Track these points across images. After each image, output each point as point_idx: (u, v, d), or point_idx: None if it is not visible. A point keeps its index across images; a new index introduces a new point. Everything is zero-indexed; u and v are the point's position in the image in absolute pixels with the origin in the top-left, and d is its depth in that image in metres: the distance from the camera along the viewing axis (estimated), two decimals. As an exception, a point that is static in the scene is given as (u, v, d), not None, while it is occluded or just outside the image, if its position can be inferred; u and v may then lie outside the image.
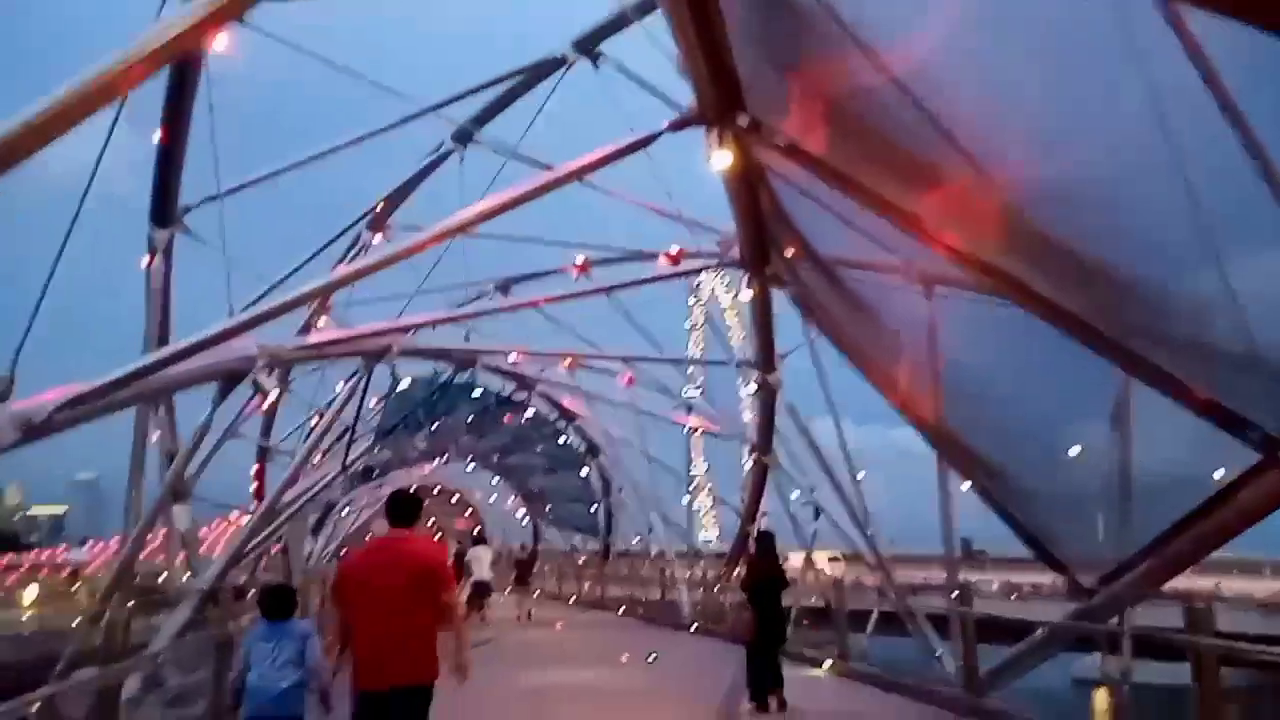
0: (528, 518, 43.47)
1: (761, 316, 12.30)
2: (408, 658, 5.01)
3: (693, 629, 19.00)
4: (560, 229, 20.27)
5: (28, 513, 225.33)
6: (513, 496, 40.39)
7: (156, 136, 10.60)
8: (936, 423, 9.83)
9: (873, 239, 7.90)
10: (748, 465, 20.30)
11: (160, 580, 15.77)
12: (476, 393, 16.98)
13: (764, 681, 9.25)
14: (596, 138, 9.33)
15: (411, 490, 6.28)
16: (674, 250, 19.98)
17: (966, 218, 7.03)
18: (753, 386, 13.70)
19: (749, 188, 8.61)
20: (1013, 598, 37.18)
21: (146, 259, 11.84)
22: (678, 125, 7.63)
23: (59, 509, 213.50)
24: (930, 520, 11.16)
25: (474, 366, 15.97)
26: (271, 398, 8.70)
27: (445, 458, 34.02)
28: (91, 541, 77.71)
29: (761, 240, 10.10)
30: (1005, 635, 12.11)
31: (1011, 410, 9.33)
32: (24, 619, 25.81)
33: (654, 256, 20.56)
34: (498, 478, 37.42)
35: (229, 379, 8.65)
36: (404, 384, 11.87)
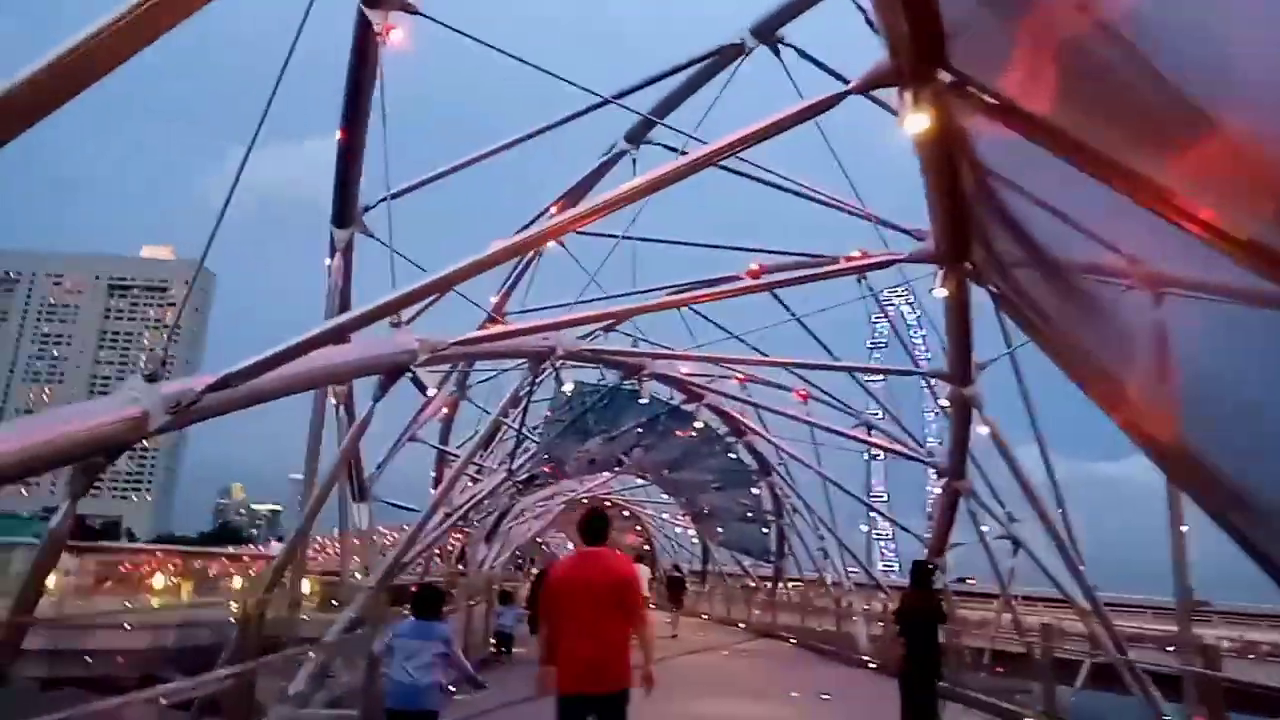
0: (697, 537, 42.73)
1: (958, 319, 10.92)
2: (612, 666, 5.51)
3: (873, 666, 17.53)
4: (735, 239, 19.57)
5: (251, 508, 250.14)
6: (681, 514, 39.80)
7: (336, 137, 10.84)
8: (1173, 443, 8.22)
9: (1093, 236, 6.60)
10: (935, 491, 18.68)
11: (337, 578, 16.28)
12: (644, 400, 16.38)
13: (919, 713, 9.06)
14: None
15: (600, 509, 6.54)
16: (856, 253, 18.93)
17: (1235, 186, 5.63)
18: (944, 403, 12.27)
19: (947, 160, 7.50)
20: (1249, 658, 32.40)
21: (327, 259, 12.18)
22: (867, 86, 6.67)
23: (277, 506, 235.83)
24: (1133, 562, 9.56)
25: (641, 373, 15.42)
26: (432, 393, 8.39)
27: (615, 470, 33.91)
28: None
29: (961, 226, 8.87)
30: (1251, 705, 10.27)
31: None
32: (232, 606, 27.76)
33: (833, 261, 19.51)
34: (666, 494, 36.93)
35: (389, 373, 8.44)
36: (568, 386, 11.32)
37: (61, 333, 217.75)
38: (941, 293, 9.83)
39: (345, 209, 11.93)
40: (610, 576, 5.76)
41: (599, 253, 14.42)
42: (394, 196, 11.12)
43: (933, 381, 17.10)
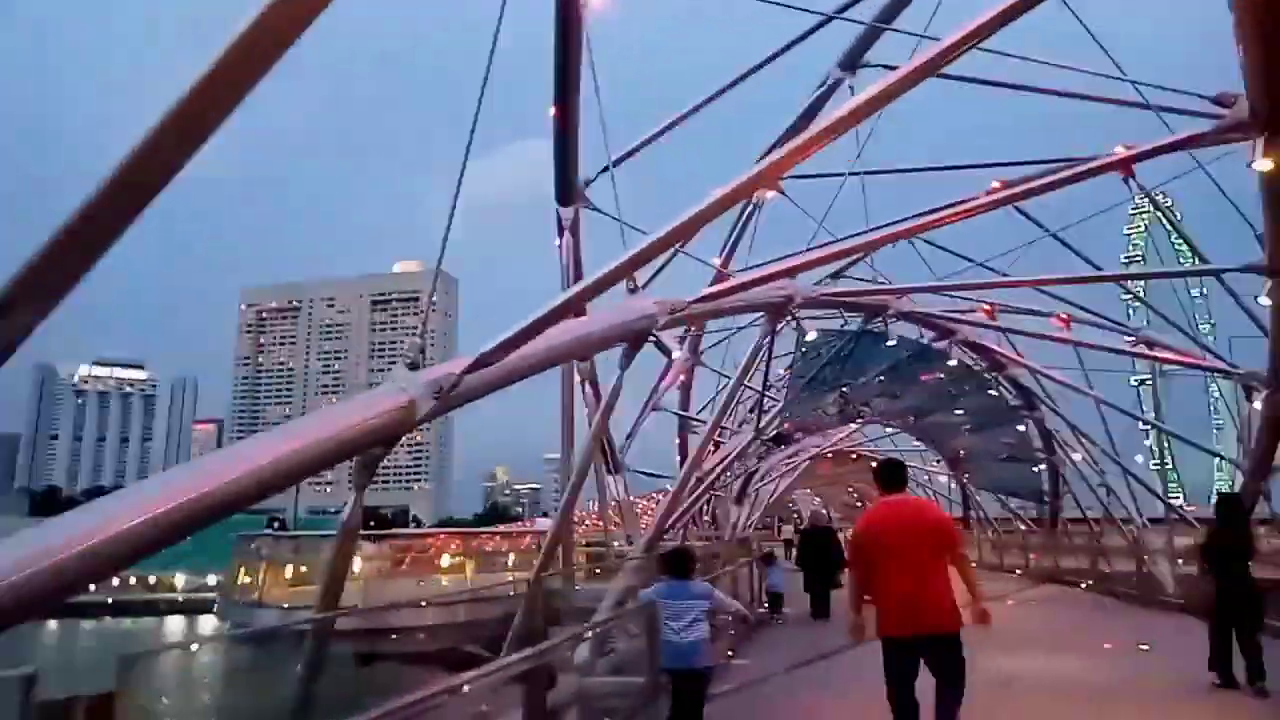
0: (953, 483, 40.39)
1: None
2: (938, 607, 5.55)
3: (1179, 605, 15.49)
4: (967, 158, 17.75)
5: (514, 488, 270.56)
6: (936, 460, 37.69)
7: (550, 113, 10.84)
8: None
9: None
10: (1245, 409, 16.12)
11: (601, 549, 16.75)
12: (891, 342, 15.31)
13: (1228, 656, 8.48)
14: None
15: (896, 459, 6.77)
16: (1121, 150, 16.52)
17: None
18: (1264, 300, 10.27)
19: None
20: None
21: (556, 240, 12.33)
22: None
23: (536, 485, 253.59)
24: None
25: (886, 314, 14.41)
26: (676, 356, 8.09)
27: (861, 421, 32.66)
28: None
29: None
30: None
31: None
32: (508, 579, 29.71)
33: (1089, 161, 17.18)
34: (918, 440, 35.07)
35: (633, 340, 8.26)
36: (811, 335, 10.68)
37: (339, 349, 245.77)
38: (1265, 165, 8.07)
39: (567, 186, 11.99)
40: (926, 518, 5.94)
41: (824, 198, 13.58)
42: (615, 165, 10.99)
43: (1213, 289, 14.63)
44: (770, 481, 35.31)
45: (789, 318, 10.94)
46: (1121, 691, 8.52)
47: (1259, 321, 14.19)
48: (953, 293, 14.83)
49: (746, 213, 17.75)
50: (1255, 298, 10.33)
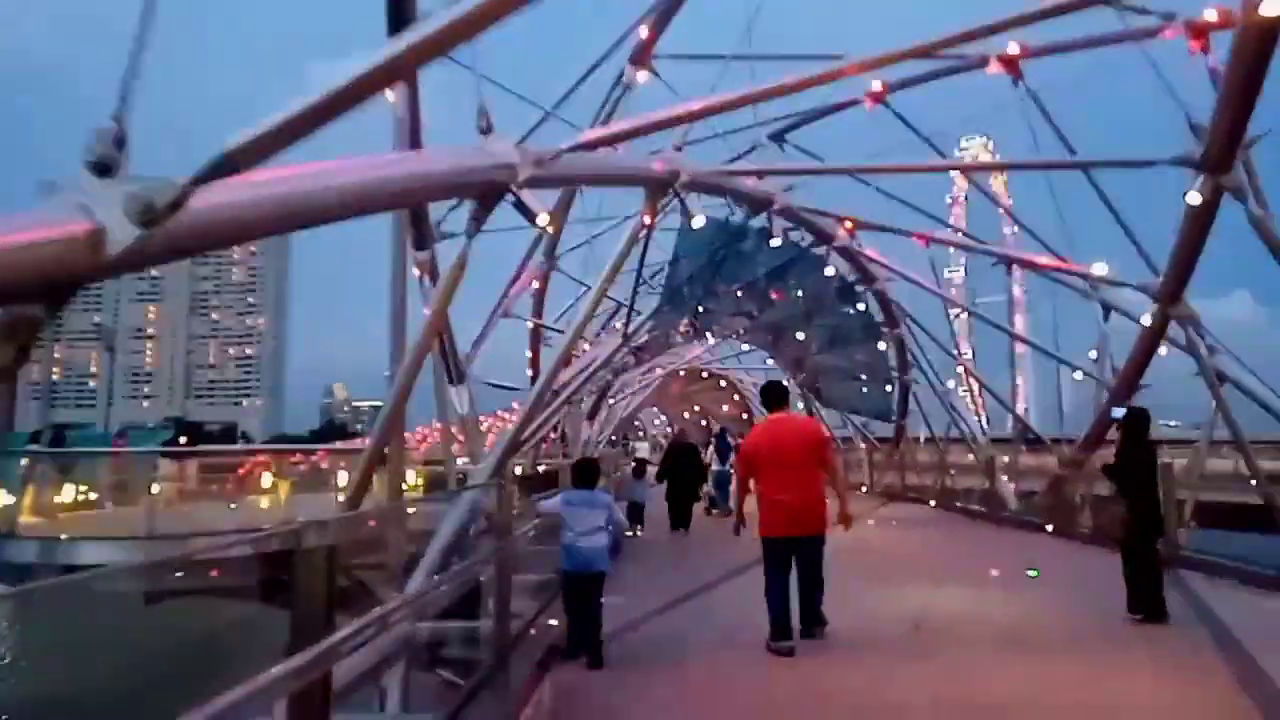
0: (801, 402, 40.67)
1: (1251, 61, 7.76)
2: (814, 511, 6.64)
3: (1048, 529, 15.31)
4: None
5: (354, 405, 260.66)
6: (787, 378, 37.54)
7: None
8: None
9: None
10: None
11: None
12: (775, 241, 13.85)
13: (1160, 584, 7.85)
14: None
15: (778, 382, 7.75)
16: (1014, 48, 15.54)
17: None
18: (1192, 197, 9.34)
19: None
20: None
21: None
22: None
23: (378, 403, 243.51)
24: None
25: (770, 208, 12.86)
26: (542, 222, 6.04)
27: (713, 341, 31.76)
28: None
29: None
30: None
31: None
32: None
33: (979, 64, 16.23)
34: (771, 359, 34.62)
35: (486, 194, 6.20)
36: (698, 219, 8.92)
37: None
38: (1195, 199, 6.97)
39: (403, 16, 9.47)
40: (806, 435, 7.00)
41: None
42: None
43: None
44: (624, 398, 34.07)
45: (673, 195, 9.09)
46: (1048, 633, 7.49)
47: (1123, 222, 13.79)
48: (842, 175, 13.40)
49: (614, 97, 15.69)
50: (1184, 194, 9.41)
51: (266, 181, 3.93)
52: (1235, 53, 7.92)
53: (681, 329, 23.36)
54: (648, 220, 9.76)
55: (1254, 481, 12.57)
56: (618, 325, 15.36)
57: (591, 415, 28.00)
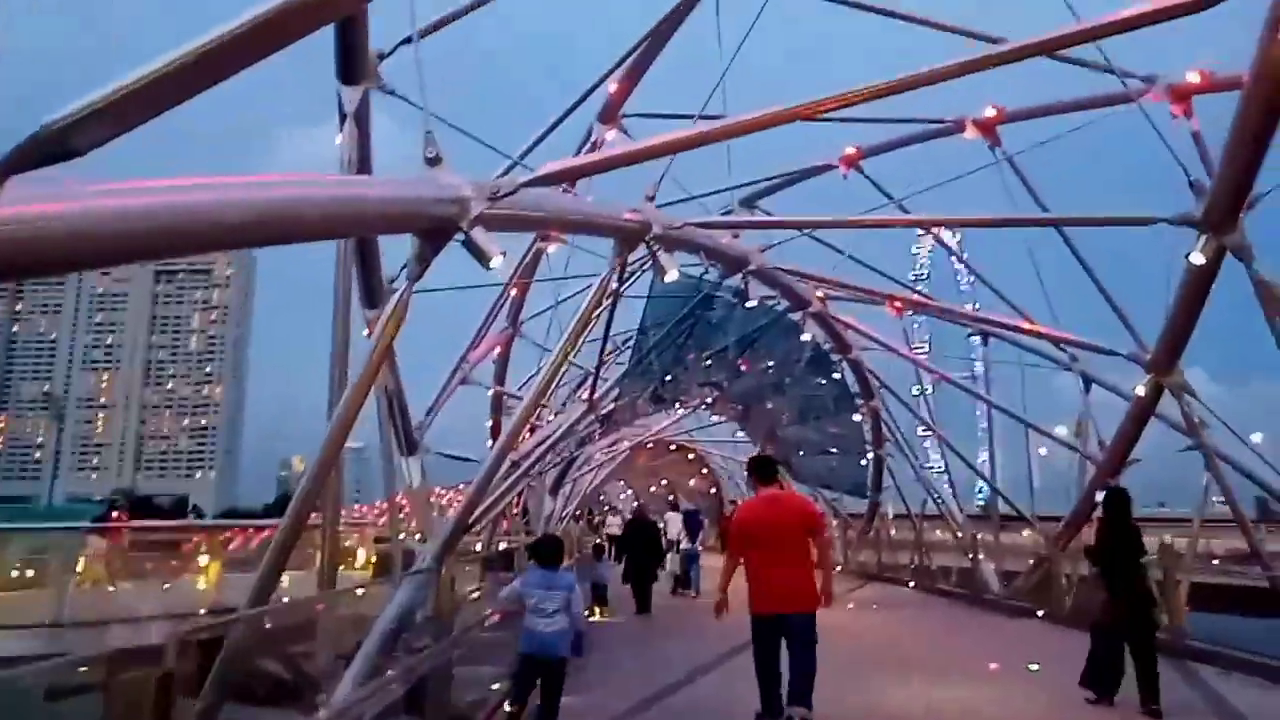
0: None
1: (1256, 122, 7.34)
2: (804, 589, 6.62)
3: (1039, 614, 14.39)
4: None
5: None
6: (757, 451, 36.72)
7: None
8: None
9: None
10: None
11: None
12: (751, 303, 13.17)
13: (1112, 669, 7.72)
14: None
15: (767, 455, 8.78)
16: (990, 112, 15.30)
17: None
18: (1195, 258, 8.78)
19: None
20: None
21: (338, 126, 9.11)
22: None
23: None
24: None
25: (746, 269, 12.20)
26: (497, 263, 5.20)
27: (681, 411, 30.88)
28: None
29: None
30: None
31: None
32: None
33: (955, 129, 15.95)
34: (742, 430, 33.80)
35: (431, 231, 5.39)
36: (671, 275, 8.16)
37: (113, 321, 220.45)
38: (1199, 259, 6.43)
39: (352, 58, 8.82)
40: (798, 511, 6.91)
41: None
42: (422, 36, 8.03)
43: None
44: (588, 471, 32.93)
45: (644, 251, 8.34)
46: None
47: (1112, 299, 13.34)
48: (815, 237, 12.79)
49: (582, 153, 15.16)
50: (1186, 255, 8.88)
51: (144, 187, 3.07)
52: (1246, 101, 7.46)
53: (648, 399, 22.50)
54: (617, 275, 8.99)
55: (1259, 566, 11.85)
56: (584, 396, 14.46)
57: (555, 489, 26.83)
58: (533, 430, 18.27)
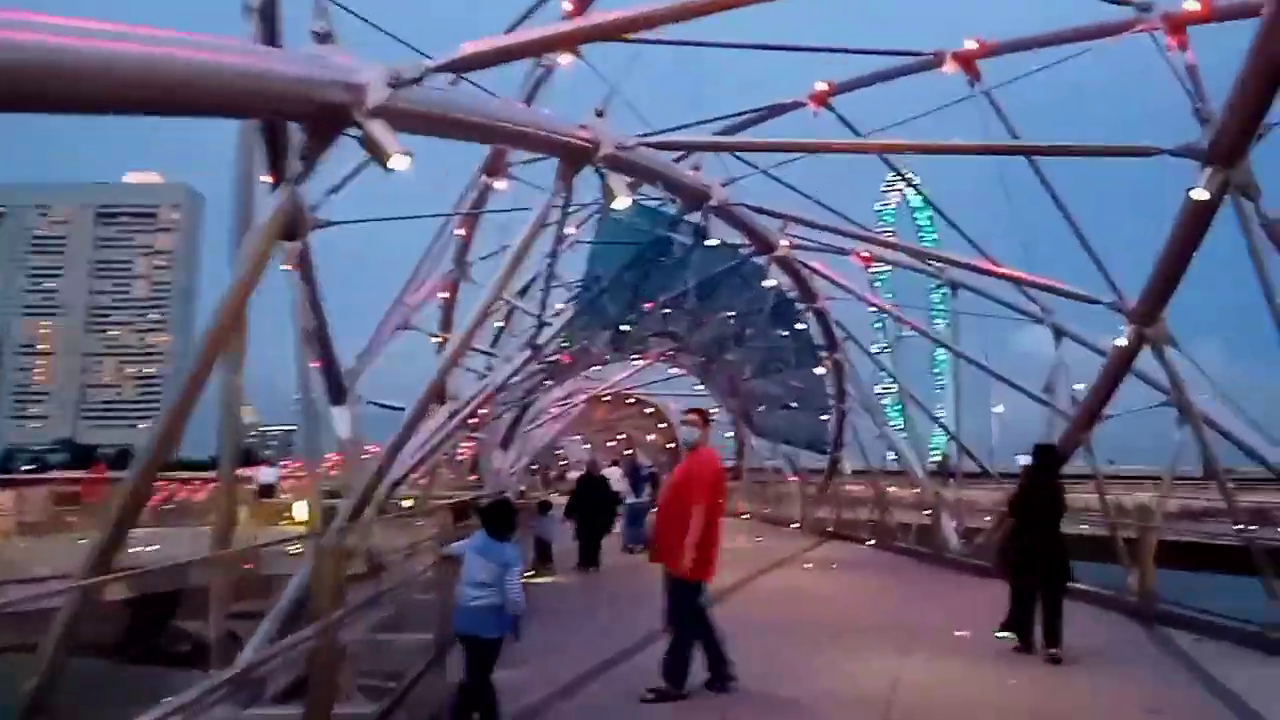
0: (732, 431, 39.22)
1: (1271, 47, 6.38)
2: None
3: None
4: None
5: (263, 429, 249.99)
6: (716, 406, 35.99)
7: None
8: None
9: None
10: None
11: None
12: (711, 242, 12.15)
13: (1031, 618, 8.12)
14: None
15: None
16: (971, 44, 14.34)
17: None
18: (1198, 193, 7.98)
19: None
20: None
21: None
22: None
23: (290, 426, 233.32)
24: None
25: (706, 204, 11.18)
26: (398, 165, 4.09)
27: (640, 363, 29.98)
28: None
29: None
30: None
31: None
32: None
33: (932, 62, 14.98)
34: (701, 384, 33.03)
35: (316, 117, 4.31)
36: (622, 200, 7.12)
37: (52, 264, 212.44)
38: (1202, 195, 5.67)
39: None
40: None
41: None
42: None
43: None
44: (542, 424, 32.00)
45: (592, 168, 7.29)
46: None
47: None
48: (794, 171, 11.79)
49: (534, 80, 13.94)
50: (1188, 190, 8.07)
51: None
52: (1271, 21, 6.59)
53: (600, 346, 21.40)
54: (562, 202, 7.93)
55: (1235, 524, 11.35)
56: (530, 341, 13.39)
57: (505, 443, 25.86)
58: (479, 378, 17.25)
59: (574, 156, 7.55)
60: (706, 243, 12.36)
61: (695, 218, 11.90)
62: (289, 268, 10.84)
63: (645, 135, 8.24)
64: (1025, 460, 9.65)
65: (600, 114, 7.79)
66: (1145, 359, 11.53)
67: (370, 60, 4.75)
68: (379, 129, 4.53)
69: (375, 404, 12.94)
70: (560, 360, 16.11)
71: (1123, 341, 11.02)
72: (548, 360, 15.59)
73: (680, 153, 11.54)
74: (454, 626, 5.73)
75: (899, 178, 21.78)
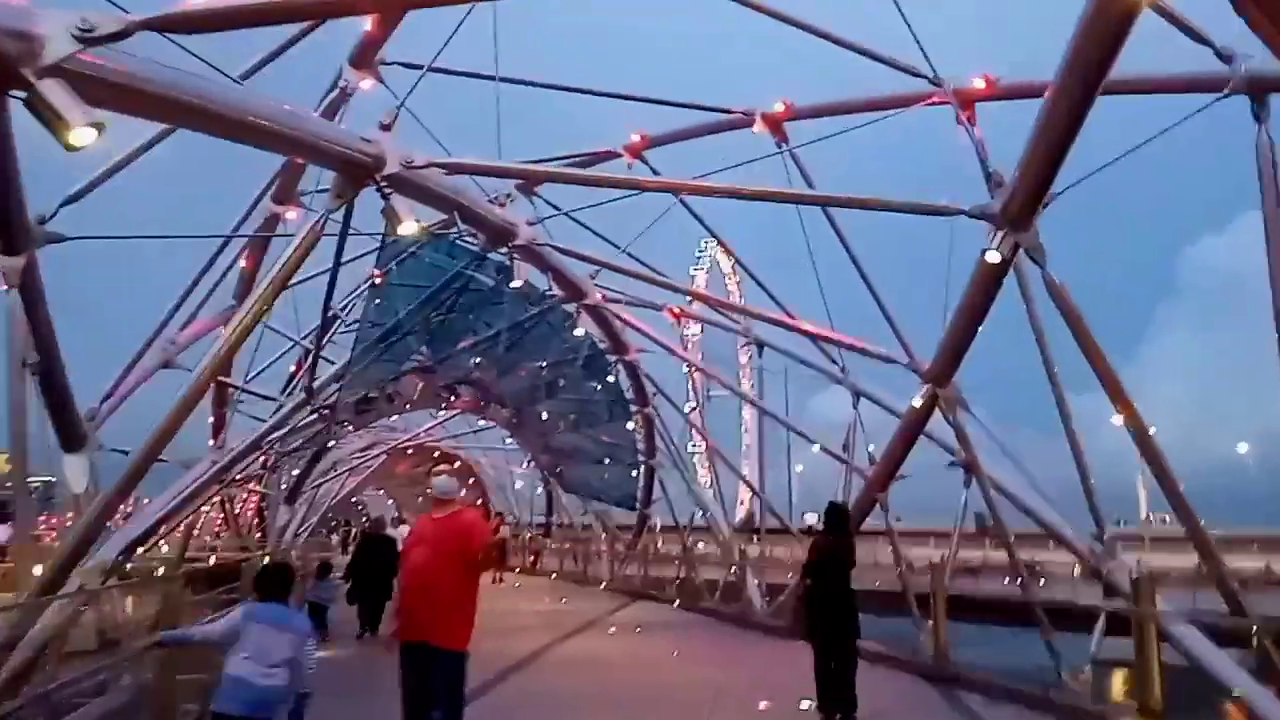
0: (541, 486, 38.23)
1: (1061, 127, 6.55)
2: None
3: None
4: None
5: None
6: (527, 462, 34.89)
7: None
8: None
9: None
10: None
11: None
12: (516, 283, 11.30)
13: (829, 683, 7.84)
14: None
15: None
16: (780, 105, 14.63)
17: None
18: (991, 255, 8.16)
19: None
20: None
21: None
22: None
23: (51, 478, 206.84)
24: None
25: (512, 243, 10.45)
26: (79, 138, 3.04)
27: (447, 414, 28.49)
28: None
29: None
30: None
31: None
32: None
33: (744, 121, 15.20)
34: (511, 437, 31.86)
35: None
36: (408, 226, 6.28)
37: None
38: (994, 257, 5.72)
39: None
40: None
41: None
42: None
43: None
44: (334, 479, 29.67)
45: (375, 188, 6.41)
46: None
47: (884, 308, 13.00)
48: (602, 218, 11.30)
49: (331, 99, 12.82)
50: (984, 251, 8.24)
51: None
52: (1060, 84, 6.82)
53: (396, 396, 19.72)
54: (341, 223, 6.95)
55: (1019, 580, 11.75)
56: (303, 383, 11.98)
57: (291, 497, 23.59)
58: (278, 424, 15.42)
59: (353, 172, 6.63)
60: (512, 284, 11.57)
61: (501, 257, 11.17)
62: (5, 288, 9.13)
63: (438, 158, 7.45)
64: (812, 518, 9.81)
65: (386, 128, 6.92)
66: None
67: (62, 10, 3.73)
68: (57, 91, 3.50)
69: (117, 450, 11.04)
70: (341, 406, 14.59)
71: (917, 402, 11.24)
72: (325, 406, 14.05)
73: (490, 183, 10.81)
74: (224, 708, 4.69)
75: (712, 238, 22.05)
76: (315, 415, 13.67)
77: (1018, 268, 9.02)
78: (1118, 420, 8.99)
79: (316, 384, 11.49)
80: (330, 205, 6.69)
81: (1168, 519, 33.03)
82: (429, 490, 5.79)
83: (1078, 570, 20.77)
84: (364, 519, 64.70)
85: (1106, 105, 7.79)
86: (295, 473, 22.73)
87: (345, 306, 12.87)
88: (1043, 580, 23.31)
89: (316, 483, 26.46)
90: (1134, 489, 42.37)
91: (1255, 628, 9.30)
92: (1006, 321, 10.09)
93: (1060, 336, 8.99)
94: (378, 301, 12.47)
